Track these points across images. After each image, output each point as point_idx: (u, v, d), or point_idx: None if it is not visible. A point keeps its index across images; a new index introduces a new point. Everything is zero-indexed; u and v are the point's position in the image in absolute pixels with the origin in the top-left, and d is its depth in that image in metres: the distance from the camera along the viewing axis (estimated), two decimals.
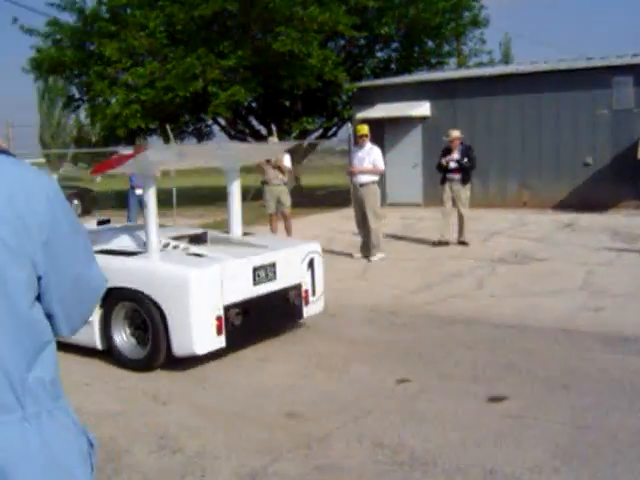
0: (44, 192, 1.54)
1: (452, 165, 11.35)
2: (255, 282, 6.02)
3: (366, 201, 10.47)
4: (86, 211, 21.05)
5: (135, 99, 20.07)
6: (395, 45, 24.37)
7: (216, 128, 25.57)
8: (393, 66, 24.45)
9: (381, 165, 10.62)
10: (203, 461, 4.12)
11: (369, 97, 18.25)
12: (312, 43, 18.53)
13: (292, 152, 13.72)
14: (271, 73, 20.10)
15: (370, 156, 10.52)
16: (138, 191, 11.82)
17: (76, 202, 20.82)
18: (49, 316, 1.60)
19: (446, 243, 11.40)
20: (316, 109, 23.68)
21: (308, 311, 6.66)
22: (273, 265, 6.22)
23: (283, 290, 6.31)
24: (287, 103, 23.59)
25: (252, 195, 16.26)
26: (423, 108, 17.41)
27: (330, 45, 22.27)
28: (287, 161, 11.92)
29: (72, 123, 46.26)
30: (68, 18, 21.84)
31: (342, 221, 14.21)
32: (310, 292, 6.64)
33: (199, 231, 7.24)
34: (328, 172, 38.94)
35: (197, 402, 5.17)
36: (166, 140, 21.10)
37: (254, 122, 25.26)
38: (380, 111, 17.53)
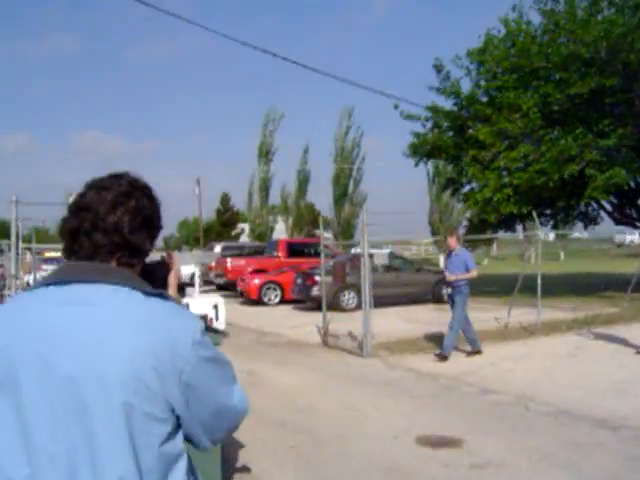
0: (189, 335, 1.62)
1: None
2: None
3: None
4: None
5: (508, 183, 19.38)
6: None
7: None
8: None
9: None
10: None
11: None
12: None
13: None
14: None
15: None
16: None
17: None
18: (189, 435, 1.69)
19: None
20: None
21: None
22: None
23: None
24: None
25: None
26: None
27: None
28: None
29: (460, 207, 47.21)
30: (445, 103, 22.31)
31: None
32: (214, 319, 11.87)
33: None
34: None
35: None
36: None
37: None
38: None
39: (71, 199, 1.86)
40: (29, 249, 18.53)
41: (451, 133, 21.96)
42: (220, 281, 27.39)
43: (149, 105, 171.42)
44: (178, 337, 1.61)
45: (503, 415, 7.43)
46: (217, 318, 11.89)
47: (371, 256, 11.88)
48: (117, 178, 1.78)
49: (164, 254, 2.04)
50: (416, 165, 23.23)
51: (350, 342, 12.83)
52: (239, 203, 61.94)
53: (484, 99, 21.21)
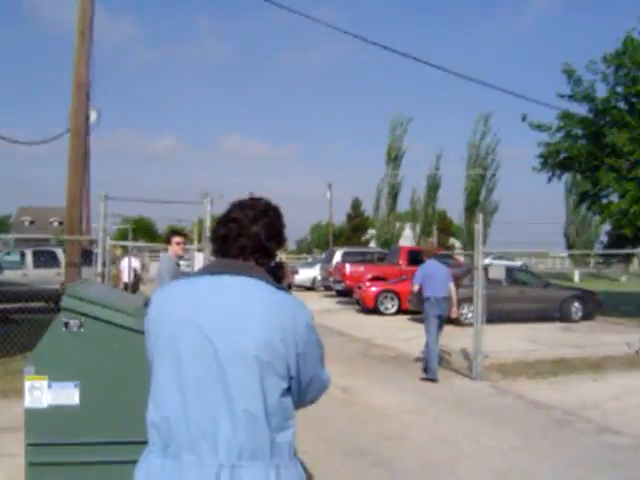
0: (304, 319, 2.29)
1: None
2: None
3: None
4: (587, 316, 19.37)
5: None
6: None
7: None
8: None
9: None
10: None
11: None
12: None
13: None
14: None
15: None
16: None
17: (577, 305, 19.33)
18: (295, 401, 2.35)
19: None
20: None
21: None
22: None
23: None
24: None
25: None
26: None
27: None
28: None
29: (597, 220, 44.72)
30: (579, 109, 20.72)
31: None
32: None
33: None
34: None
35: None
36: None
37: None
38: None
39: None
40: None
41: (584, 141, 20.37)
42: (338, 287, 27.02)
43: (291, 111, 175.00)
44: (298, 320, 2.24)
45: (619, 462, 6.46)
46: None
47: (485, 268, 10.93)
48: (257, 200, 2.48)
49: (279, 260, 2.62)
50: (549, 181, 21.67)
51: (462, 361, 12.01)
52: (370, 208, 61.72)
53: (622, 105, 19.53)
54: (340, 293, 27.33)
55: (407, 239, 50.96)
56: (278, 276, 2.54)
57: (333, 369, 9.12)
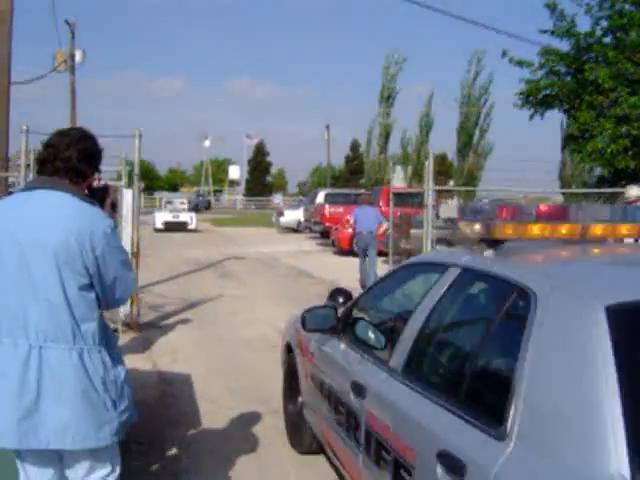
0: (102, 227, 2.81)
1: None
2: None
3: None
4: None
5: (625, 133, 17.10)
6: None
7: None
8: None
9: None
10: None
11: None
12: None
13: None
14: None
15: None
16: None
17: None
18: (97, 292, 2.86)
19: None
20: None
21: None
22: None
23: None
24: None
25: None
26: None
27: None
28: None
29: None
30: (559, 45, 19.83)
31: None
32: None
33: None
34: None
35: None
36: None
37: None
38: None
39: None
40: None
41: (568, 78, 19.54)
42: (317, 228, 26.60)
43: (299, 51, 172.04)
44: (95, 227, 2.79)
45: None
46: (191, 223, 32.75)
47: (435, 207, 10.42)
48: (74, 129, 3.12)
49: (107, 183, 3.31)
50: (531, 118, 20.83)
51: None
52: None
53: (606, 40, 18.68)
54: (323, 235, 26.93)
55: (399, 181, 50.15)
56: (101, 195, 3.13)
57: (284, 310, 8.73)
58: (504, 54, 19.73)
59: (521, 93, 20.13)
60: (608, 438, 1.95)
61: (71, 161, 2.86)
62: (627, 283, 2.63)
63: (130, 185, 9.33)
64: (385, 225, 14.25)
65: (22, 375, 2.66)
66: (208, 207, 63.89)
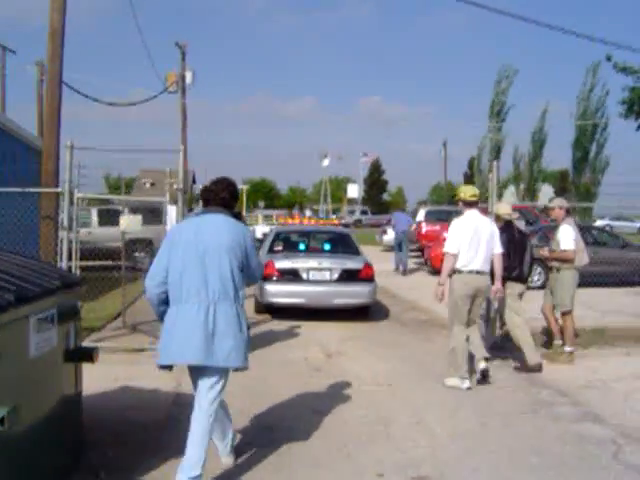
0: (243, 232, 4.63)
1: None
2: None
3: None
4: None
5: None
6: None
7: None
8: None
9: None
10: None
11: None
12: None
13: None
14: None
15: None
16: None
17: None
18: (246, 274, 4.65)
19: None
20: None
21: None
22: None
23: None
24: None
25: None
26: None
27: None
28: None
29: None
30: None
31: None
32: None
33: None
34: None
35: None
36: None
37: None
38: None
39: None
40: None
41: None
42: (413, 247, 25.76)
43: (427, 72, 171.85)
44: (243, 233, 4.61)
45: (567, 460, 5.24)
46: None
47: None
48: (224, 179, 4.82)
49: (237, 210, 4.87)
50: (638, 128, 19.22)
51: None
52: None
53: None
54: (421, 253, 26.01)
55: (510, 198, 48.21)
56: (238, 215, 4.79)
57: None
58: (609, 59, 18.33)
59: (623, 102, 18.59)
60: None
61: (225, 199, 4.69)
62: None
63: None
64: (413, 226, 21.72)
65: (205, 318, 4.29)
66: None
